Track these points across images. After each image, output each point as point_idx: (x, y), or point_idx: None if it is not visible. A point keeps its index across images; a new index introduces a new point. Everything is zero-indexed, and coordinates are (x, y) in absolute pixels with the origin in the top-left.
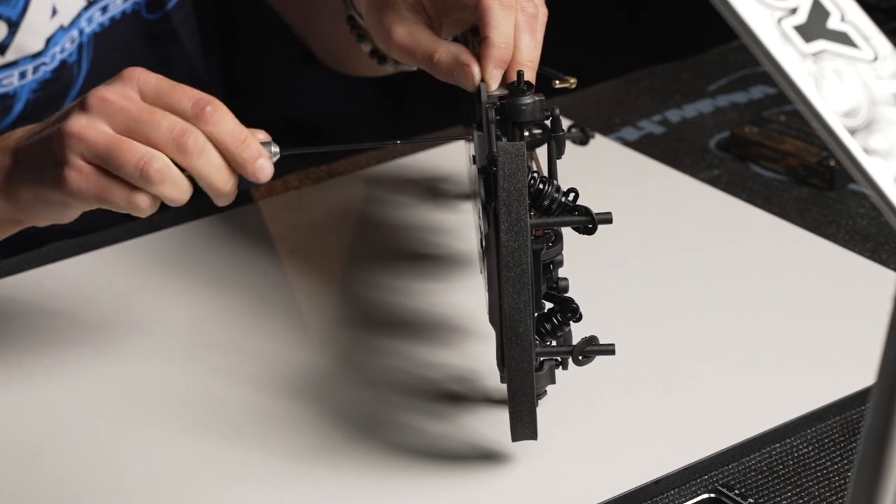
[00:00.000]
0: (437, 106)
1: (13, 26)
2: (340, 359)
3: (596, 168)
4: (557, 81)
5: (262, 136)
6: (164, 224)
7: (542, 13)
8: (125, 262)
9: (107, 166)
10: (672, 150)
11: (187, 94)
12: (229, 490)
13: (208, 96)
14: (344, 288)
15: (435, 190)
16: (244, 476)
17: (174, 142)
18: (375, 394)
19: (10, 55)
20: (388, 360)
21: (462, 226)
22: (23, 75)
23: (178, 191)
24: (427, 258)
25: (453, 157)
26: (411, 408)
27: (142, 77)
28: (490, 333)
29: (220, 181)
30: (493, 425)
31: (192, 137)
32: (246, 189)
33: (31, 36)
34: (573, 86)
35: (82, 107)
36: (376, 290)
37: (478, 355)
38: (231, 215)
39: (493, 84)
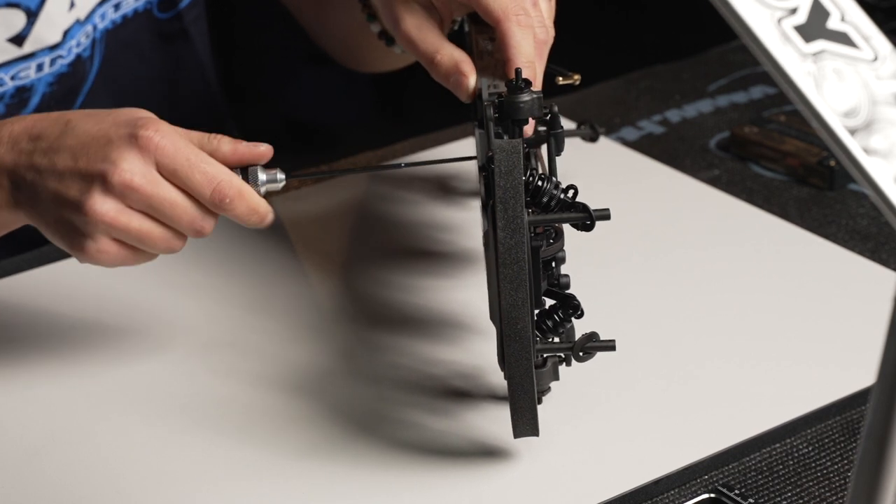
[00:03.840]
0: (436, 106)
1: (32, 16)
2: (344, 356)
3: (596, 168)
4: (561, 78)
5: (265, 150)
6: None
7: (551, 37)
8: None
9: (136, 246)
10: (672, 150)
11: (207, 178)
12: (231, 488)
13: (227, 180)
14: (349, 285)
15: (444, 187)
16: (246, 474)
17: (193, 231)
18: (379, 390)
19: (27, 47)
20: (392, 357)
21: (469, 223)
22: (40, 67)
23: None
24: (433, 255)
25: (462, 154)
26: (415, 404)
27: (159, 149)
28: (493, 330)
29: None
30: (496, 422)
31: (209, 227)
32: None
33: (49, 27)
34: (577, 82)
35: (106, 186)
36: (381, 287)
37: (482, 352)
38: None
39: None
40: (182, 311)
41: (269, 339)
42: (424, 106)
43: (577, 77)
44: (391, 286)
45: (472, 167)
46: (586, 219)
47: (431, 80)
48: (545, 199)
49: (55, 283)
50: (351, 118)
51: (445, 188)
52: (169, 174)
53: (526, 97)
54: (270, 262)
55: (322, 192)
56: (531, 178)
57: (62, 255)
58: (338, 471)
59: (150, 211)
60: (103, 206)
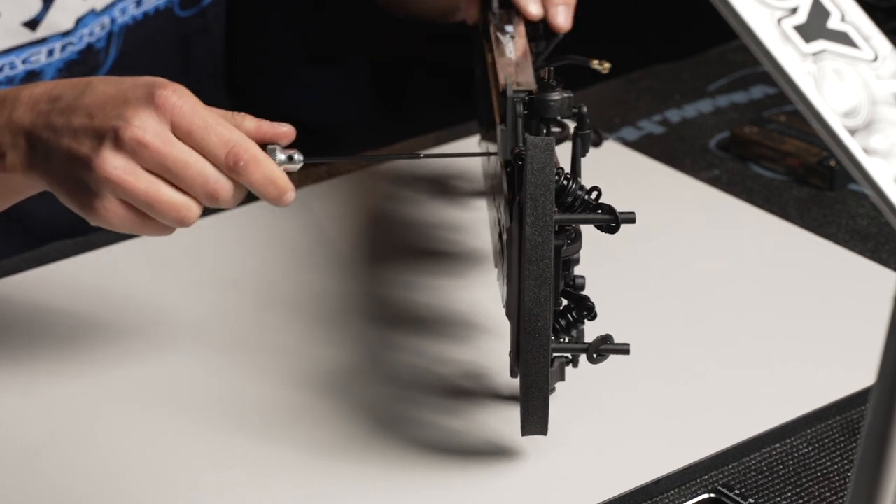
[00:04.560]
0: (436, 106)
1: (47, 1)
2: (353, 354)
3: (596, 168)
4: (595, 61)
5: (287, 130)
6: None
7: None
8: (125, 262)
9: (144, 211)
10: (672, 150)
11: (221, 140)
12: (231, 487)
13: (242, 143)
14: (357, 284)
15: (448, 187)
16: (246, 473)
17: (206, 194)
18: (388, 389)
19: (41, 31)
20: (401, 356)
21: (476, 223)
22: (50, 53)
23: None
24: (441, 255)
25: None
26: (424, 403)
27: (176, 106)
28: (501, 330)
29: (235, 205)
30: (499, 421)
31: (223, 191)
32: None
33: (63, 13)
34: (607, 71)
35: (117, 143)
36: (390, 287)
37: (488, 351)
38: (233, 214)
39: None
40: (184, 311)
41: (274, 338)
42: (424, 106)
43: (607, 65)
44: (400, 285)
45: (476, 167)
46: (612, 221)
47: (431, 80)
48: (569, 199)
49: (55, 283)
50: (351, 118)
51: (450, 189)
52: (184, 135)
53: (556, 96)
54: (279, 262)
55: (329, 193)
56: (556, 178)
57: (62, 255)
58: (345, 468)
59: (162, 171)
60: (113, 162)
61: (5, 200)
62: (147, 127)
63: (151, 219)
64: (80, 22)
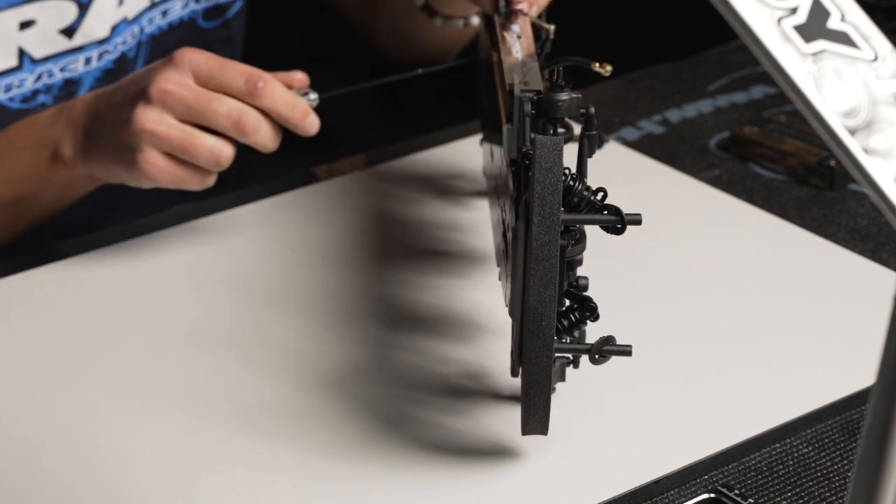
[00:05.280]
0: (436, 107)
1: (83, 9)
2: (353, 354)
3: (596, 168)
4: (597, 64)
5: (301, 77)
6: (165, 224)
7: None
8: (125, 261)
9: (181, 157)
10: (672, 150)
11: (238, 72)
12: (232, 487)
13: (257, 71)
14: (358, 285)
15: (449, 187)
16: (247, 472)
17: (234, 125)
18: (389, 389)
19: (77, 39)
20: (401, 356)
21: (478, 223)
22: (88, 61)
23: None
24: (443, 254)
25: (467, 155)
26: (425, 402)
27: (192, 59)
28: (502, 330)
29: (272, 144)
30: (499, 421)
31: (249, 119)
32: (247, 188)
33: (98, 21)
34: (608, 73)
35: (146, 98)
36: (390, 287)
37: (490, 351)
38: (233, 214)
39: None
40: (184, 311)
41: (275, 338)
42: (424, 106)
43: (608, 68)
44: (400, 285)
45: (476, 167)
46: (617, 222)
47: (431, 80)
48: (575, 200)
49: (55, 283)
50: (351, 118)
51: (451, 189)
52: (205, 80)
53: (565, 96)
54: (279, 262)
55: (329, 193)
56: (563, 178)
57: (62, 255)
58: (345, 468)
59: (191, 115)
60: (146, 115)
61: (60, 203)
62: (170, 78)
63: (191, 166)
64: (114, 30)
